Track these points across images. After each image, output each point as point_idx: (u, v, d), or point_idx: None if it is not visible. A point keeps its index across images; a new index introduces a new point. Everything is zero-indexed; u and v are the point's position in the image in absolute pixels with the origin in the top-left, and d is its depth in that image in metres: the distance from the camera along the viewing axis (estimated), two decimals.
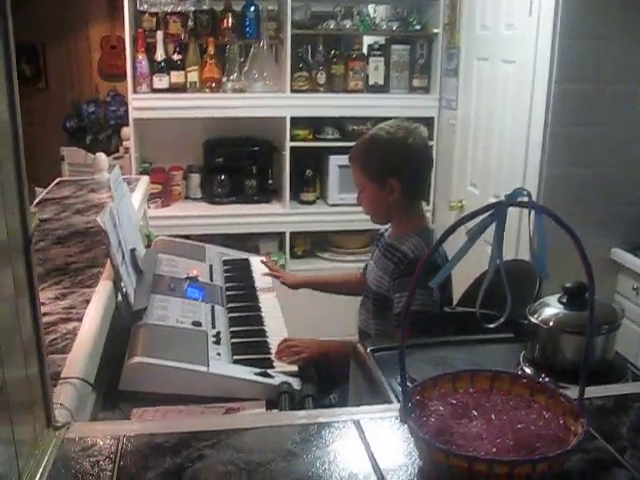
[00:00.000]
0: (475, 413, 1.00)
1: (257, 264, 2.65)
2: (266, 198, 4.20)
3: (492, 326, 1.07)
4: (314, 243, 4.38)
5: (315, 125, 4.07)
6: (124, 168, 4.02)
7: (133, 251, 2.08)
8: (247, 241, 4.30)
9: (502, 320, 1.03)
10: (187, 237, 4.01)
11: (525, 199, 0.90)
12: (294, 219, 4.12)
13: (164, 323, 1.86)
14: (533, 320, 1.44)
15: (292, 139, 3.97)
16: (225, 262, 2.62)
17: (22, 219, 0.97)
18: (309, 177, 4.19)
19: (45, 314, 1.57)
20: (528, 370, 1.48)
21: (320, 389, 2.03)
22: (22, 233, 0.97)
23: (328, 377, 2.02)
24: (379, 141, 2.06)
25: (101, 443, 1.05)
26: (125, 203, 2.16)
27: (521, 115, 2.96)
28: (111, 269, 1.80)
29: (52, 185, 2.89)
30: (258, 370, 1.74)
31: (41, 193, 2.79)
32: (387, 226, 2.22)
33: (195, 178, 4.23)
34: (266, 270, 2.57)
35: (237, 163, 4.15)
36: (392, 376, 1.49)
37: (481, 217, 0.90)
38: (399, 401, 1.41)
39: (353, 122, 4.01)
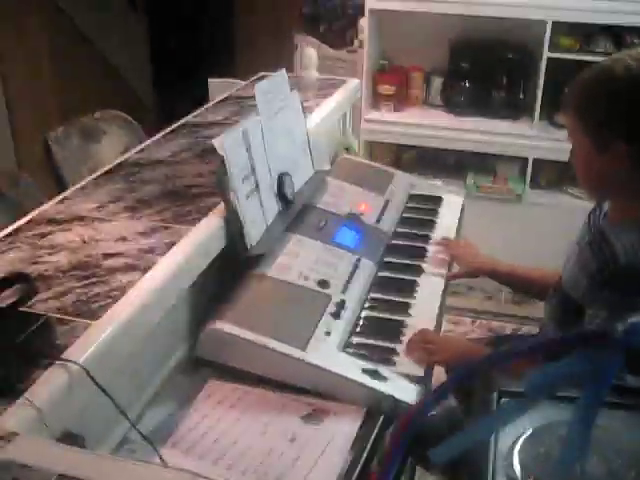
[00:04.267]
0: None
1: (451, 205, 2.17)
2: (513, 115, 3.60)
3: None
4: (562, 174, 3.70)
5: (584, 33, 3.31)
6: (357, 64, 3.66)
7: (282, 177, 1.74)
8: (485, 161, 3.78)
9: None
10: (414, 148, 3.65)
11: None
12: (542, 144, 3.48)
13: (281, 277, 1.51)
14: None
15: (552, 48, 3.28)
16: (412, 197, 2.17)
17: None
18: None
19: (115, 255, 1.29)
20: None
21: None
22: None
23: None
24: (609, 79, 1.34)
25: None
26: (284, 118, 1.79)
27: None
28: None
29: (252, 79, 2.58)
30: (368, 366, 1.34)
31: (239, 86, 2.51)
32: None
33: (437, 82, 3.75)
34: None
35: (485, 70, 3.58)
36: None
37: None
38: None
39: (633, 34, 3.19)
